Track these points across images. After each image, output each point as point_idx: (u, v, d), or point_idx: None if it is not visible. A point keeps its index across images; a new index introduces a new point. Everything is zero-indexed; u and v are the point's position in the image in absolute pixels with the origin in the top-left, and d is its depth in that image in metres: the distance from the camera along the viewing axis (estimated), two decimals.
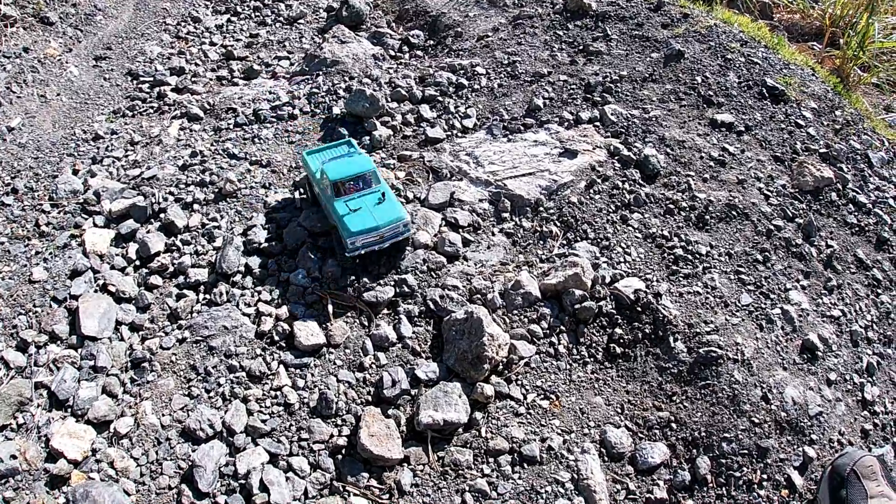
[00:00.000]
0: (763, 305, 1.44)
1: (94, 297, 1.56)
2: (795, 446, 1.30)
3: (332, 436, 1.24)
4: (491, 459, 1.18)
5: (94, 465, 1.28)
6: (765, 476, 1.26)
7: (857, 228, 1.75)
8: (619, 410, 1.25)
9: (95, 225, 1.73)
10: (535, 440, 1.19)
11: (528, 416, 1.21)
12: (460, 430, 1.20)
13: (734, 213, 1.52)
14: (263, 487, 1.23)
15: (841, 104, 2.07)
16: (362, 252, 1.50)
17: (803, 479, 1.28)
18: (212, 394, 1.35)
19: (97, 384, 1.42)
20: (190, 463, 1.28)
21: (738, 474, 1.25)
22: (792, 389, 1.36)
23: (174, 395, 1.38)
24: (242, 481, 1.25)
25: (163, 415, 1.37)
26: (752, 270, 1.47)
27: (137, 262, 1.62)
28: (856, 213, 1.78)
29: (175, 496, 1.27)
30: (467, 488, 1.16)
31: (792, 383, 1.37)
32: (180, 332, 1.44)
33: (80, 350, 1.47)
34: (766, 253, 1.51)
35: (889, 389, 1.53)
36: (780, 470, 1.27)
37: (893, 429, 1.45)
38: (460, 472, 1.16)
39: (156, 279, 1.55)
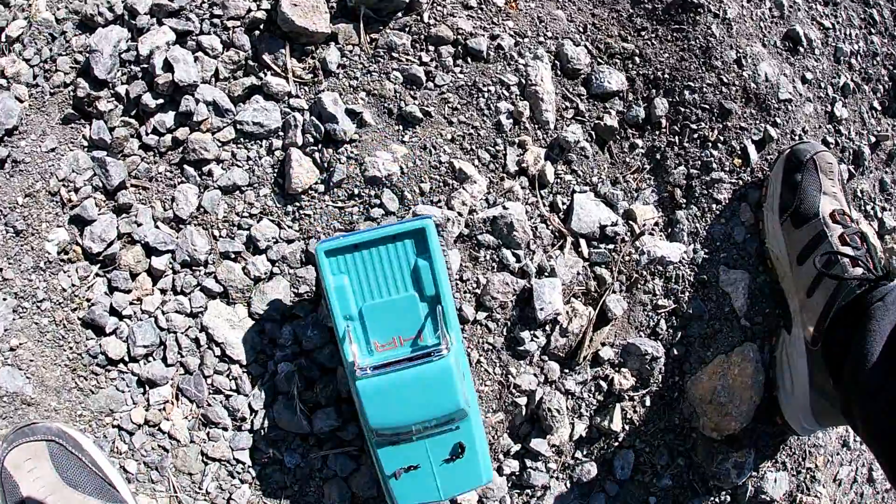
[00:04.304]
0: None
1: None
2: (758, 121, 1.21)
3: (249, 10, 1.05)
4: (431, 48, 1.03)
5: None
6: (721, 138, 1.17)
7: None
8: (582, 30, 1.11)
9: None
10: (483, 36, 1.04)
11: (480, 12, 1.05)
12: (400, 13, 1.04)
13: None
14: (168, 67, 1.07)
15: None
16: None
17: (759, 156, 1.20)
18: None
19: None
20: (87, 55, 1.10)
21: (694, 126, 1.16)
22: (767, 66, 1.24)
23: None
24: (144, 65, 1.08)
25: (58, 9, 1.17)
26: None
27: None
28: None
29: (71, 92, 1.10)
30: (400, 75, 1.02)
31: (768, 61, 1.25)
32: None
33: None
34: None
35: (855, 120, 1.45)
36: (738, 138, 1.18)
37: (850, 157, 1.39)
38: (395, 56, 1.02)
39: None
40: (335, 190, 1.00)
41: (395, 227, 0.85)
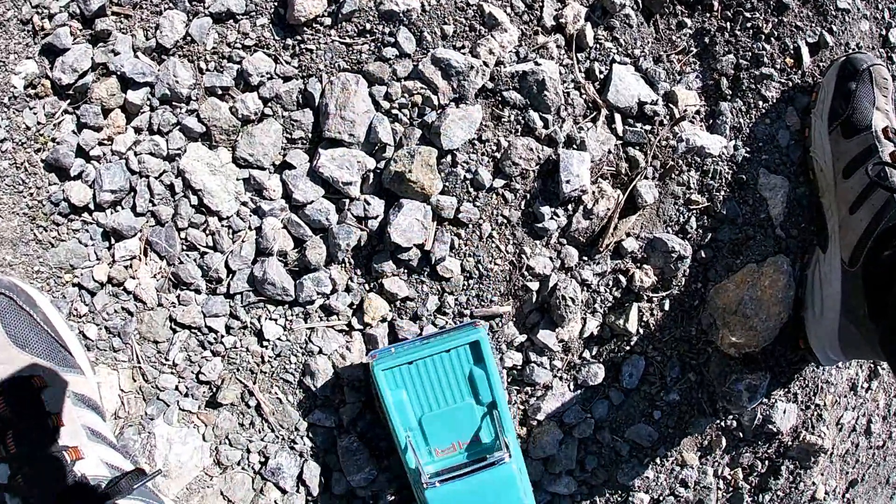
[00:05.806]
0: None
1: None
2: (814, 24, 1.09)
3: None
4: None
5: None
6: (775, 33, 1.06)
7: None
8: None
9: None
10: None
11: None
12: None
13: None
14: None
15: None
16: None
17: (811, 61, 1.09)
18: None
19: None
20: None
21: (748, 15, 1.04)
22: None
23: None
24: None
25: None
26: None
27: None
28: None
29: None
30: None
31: None
32: None
33: None
34: None
35: None
36: (793, 37, 1.07)
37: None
38: None
39: None
40: (344, 24, 0.87)
41: (449, 340, 0.84)
